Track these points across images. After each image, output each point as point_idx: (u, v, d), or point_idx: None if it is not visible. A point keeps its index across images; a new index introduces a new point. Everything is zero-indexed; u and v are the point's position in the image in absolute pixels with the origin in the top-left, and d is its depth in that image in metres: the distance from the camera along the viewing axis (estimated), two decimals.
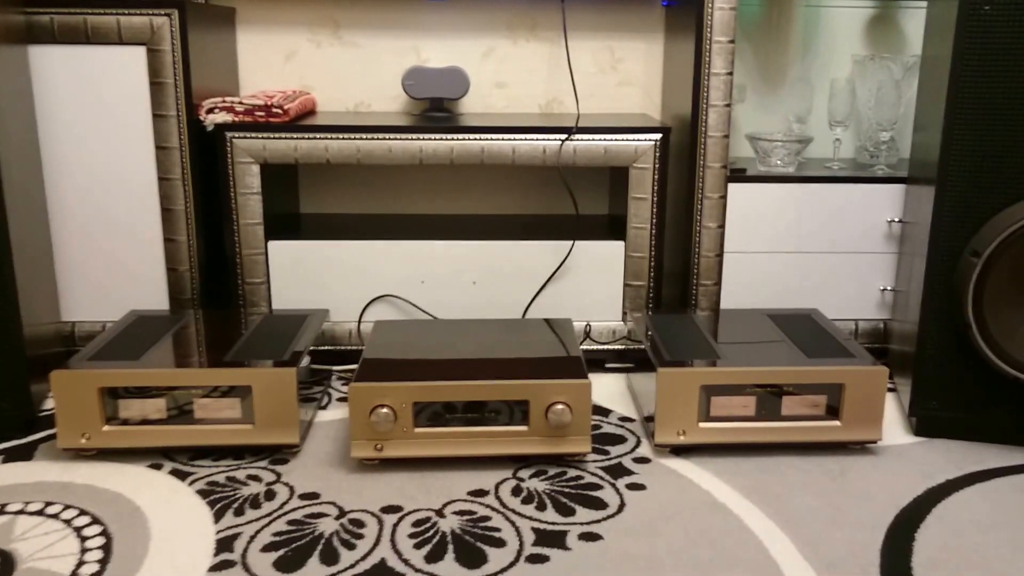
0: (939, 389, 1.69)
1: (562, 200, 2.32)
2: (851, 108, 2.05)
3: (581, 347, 1.99)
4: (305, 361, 1.67)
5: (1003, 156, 1.57)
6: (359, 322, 1.99)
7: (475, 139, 1.92)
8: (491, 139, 1.92)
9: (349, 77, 2.26)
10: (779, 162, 2.01)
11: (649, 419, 1.67)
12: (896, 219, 1.96)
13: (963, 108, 1.58)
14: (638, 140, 1.92)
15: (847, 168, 2.06)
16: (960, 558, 1.31)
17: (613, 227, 2.10)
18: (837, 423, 1.62)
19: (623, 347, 2.01)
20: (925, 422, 1.71)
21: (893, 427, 1.75)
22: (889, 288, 2.00)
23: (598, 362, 2.03)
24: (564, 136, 1.91)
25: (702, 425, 1.61)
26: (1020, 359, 1.59)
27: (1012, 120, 1.55)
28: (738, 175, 1.96)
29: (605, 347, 2.01)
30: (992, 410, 1.67)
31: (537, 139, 1.92)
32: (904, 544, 1.35)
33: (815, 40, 2.20)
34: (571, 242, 1.98)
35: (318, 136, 1.90)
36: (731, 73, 1.88)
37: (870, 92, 2.03)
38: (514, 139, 1.92)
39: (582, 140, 1.92)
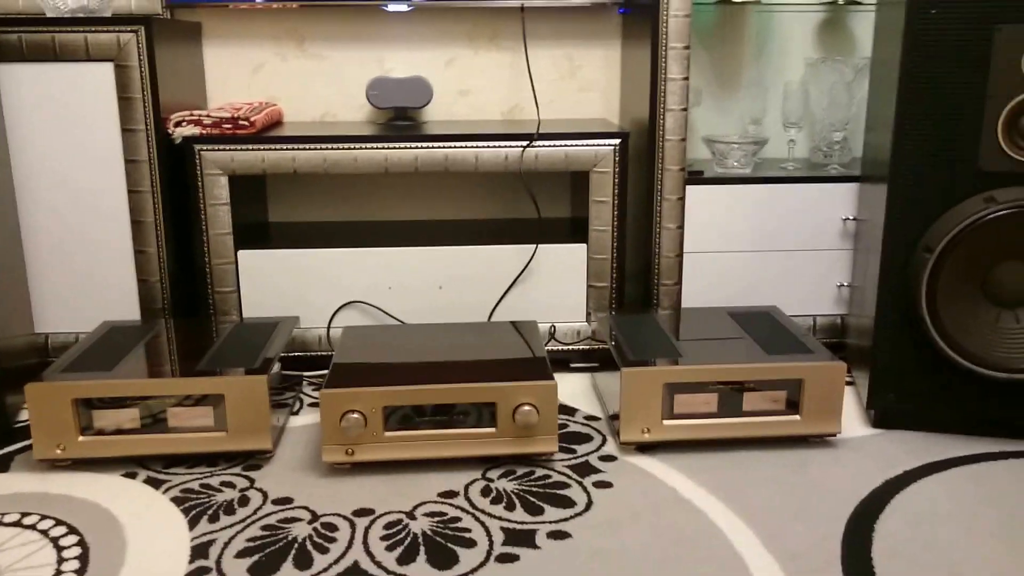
0: (896, 382, 1.74)
1: (525, 204, 2.36)
2: (804, 109, 2.11)
3: (546, 348, 2.03)
4: (276, 368, 1.70)
5: (951, 154, 1.62)
6: (328, 328, 2.02)
7: (439, 147, 1.95)
8: (454, 147, 1.95)
9: (315, 88, 2.28)
10: (736, 164, 2.07)
11: (614, 417, 1.72)
12: (851, 217, 2.02)
13: (912, 108, 1.63)
14: (598, 145, 1.97)
15: (802, 168, 2.12)
16: (918, 547, 1.36)
17: (576, 230, 2.14)
18: (797, 417, 1.67)
19: (588, 347, 2.05)
20: (883, 414, 1.77)
21: (852, 420, 1.80)
22: (846, 284, 2.06)
23: (564, 362, 2.08)
24: (526, 143, 1.95)
25: (666, 423, 1.65)
26: (973, 351, 1.65)
27: (959, 119, 1.61)
28: (696, 177, 2.01)
29: (570, 347, 2.05)
30: (948, 401, 1.73)
31: (499, 146, 1.96)
32: (864, 535, 1.40)
33: (769, 44, 2.25)
34: (535, 246, 2.01)
35: (285, 147, 1.93)
36: (687, 78, 1.93)
37: (823, 94, 2.09)
38: (477, 146, 1.96)
39: (543, 146, 1.96)
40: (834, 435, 1.69)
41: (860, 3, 2.10)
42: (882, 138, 1.72)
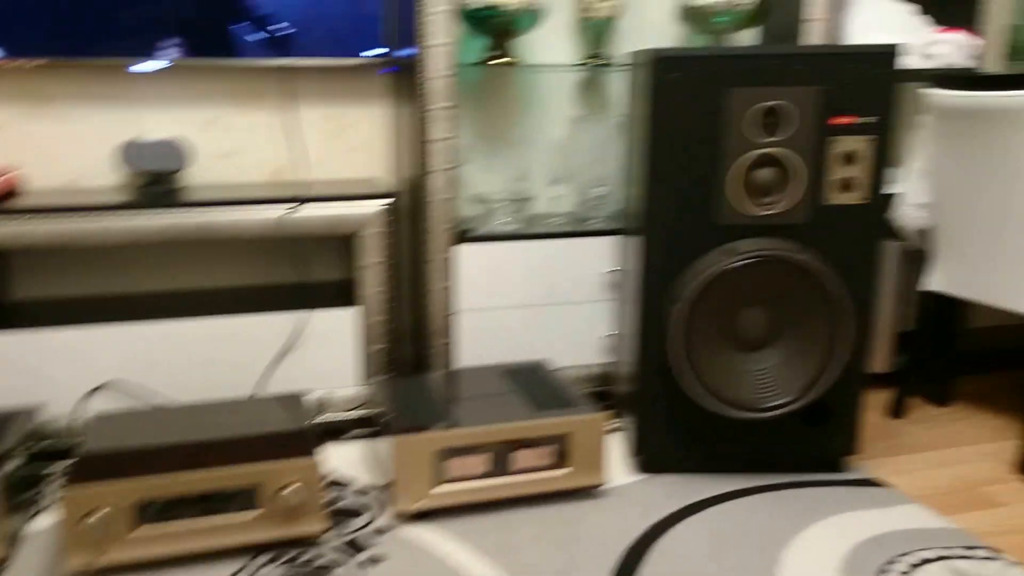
0: (658, 427, 1.81)
1: (293, 269, 2.29)
2: (568, 165, 2.18)
3: (322, 418, 1.96)
4: (12, 464, 1.54)
5: (697, 208, 1.71)
6: (78, 415, 1.86)
7: (198, 213, 1.86)
8: (216, 212, 1.87)
9: (62, 153, 2.13)
10: (504, 220, 2.10)
11: (388, 487, 1.68)
12: (613, 269, 2.09)
13: (660, 165, 1.71)
14: (366, 206, 1.94)
15: (568, 223, 2.18)
16: None
17: (348, 293, 2.10)
18: (567, 471, 1.70)
19: (365, 413, 2.01)
20: (648, 460, 1.83)
21: (621, 467, 1.85)
22: (611, 334, 2.13)
23: (339, 431, 2.02)
24: (290, 206, 1.90)
25: (440, 489, 1.63)
26: (724, 393, 1.73)
27: (703, 175, 1.70)
28: (465, 235, 2.02)
29: (346, 415, 2.00)
30: (705, 443, 1.81)
31: (264, 210, 1.89)
32: None
33: (534, 102, 2.32)
34: (304, 311, 1.95)
35: (25, 217, 1.78)
36: (453, 137, 1.95)
37: (585, 150, 2.16)
38: (240, 210, 1.88)
39: (311, 209, 1.92)
40: (601, 485, 1.73)
41: (612, 64, 2.20)
42: (636, 192, 1.80)
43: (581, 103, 2.36)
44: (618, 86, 2.36)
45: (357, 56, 2.14)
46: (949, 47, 2.23)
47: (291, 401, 1.79)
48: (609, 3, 2.14)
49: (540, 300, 2.09)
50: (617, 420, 2.07)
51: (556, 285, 2.09)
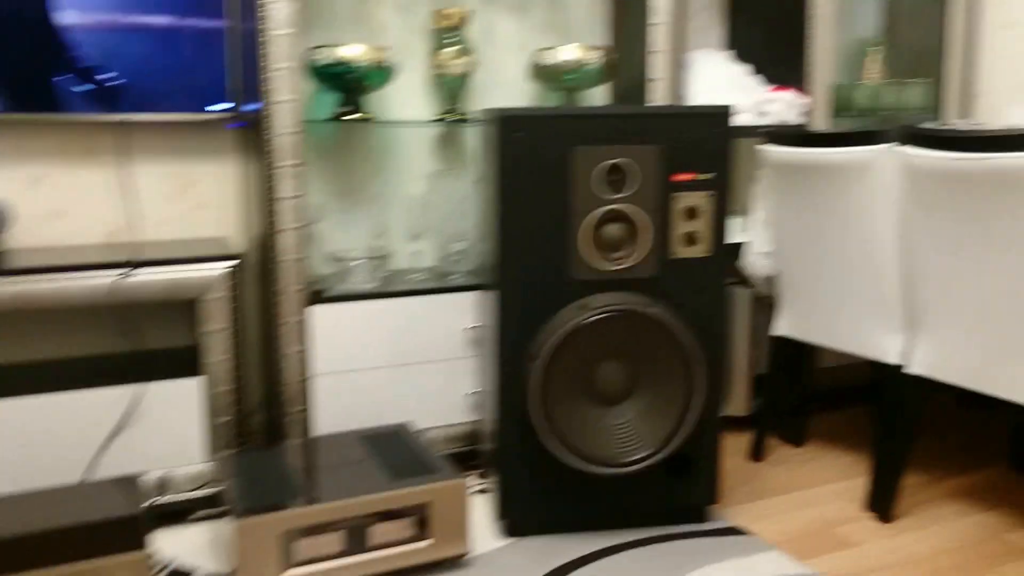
0: (522, 488, 1.76)
1: (132, 337, 2.15)
2: (428, 221, 2.14)
3: (162, 500, 1.83)
4: None
5: (549, 264, 1.70)
6: None
7: (20, 281, 1.71)
8: (40, 279, 1.73)
9: None
10: (360, 280, 2.03)
11: (232, 575, 1.56)
12: (475, 325, 2.05)
13: (511, 220, 1.69)
14: (209, 269, 1.84)
15: (429, 279, 2.13)
16: None
17: (192, 361, 1.97)
18: (428, 542, 1.63)
19: (211, 492, 1.88)
20: (513, 523, 1.78)
21: (485, 533, 1.79)
22: (475, 392, 2.09)
23: (186, 512, 1.88)
24: (123, 271, 1.78)
25: (289, 573, 1.53)
26: (585, 450, 1.70)
27: (553, 231, 1.68)
28: (319, 296, 1.95)
29: (192, 495, 1.87)
30: (570, 501, 1.78)
31: (93, 276, 1.76)
32: None
33: (391, 157, 2.27)
34: (142, 384, 1.82)
35: None
36: (302, 196, 1.88)
37: (444, 205, 2.13)
38: (68, 277, 1.75)
39: (147, 273, 1.80)
40: (466, 555, 1.67)
41: (468, 120, 2.18)
42: (490, 248, 1.77)
43: (439, 158, 2.33)
44: (475, 141, 2.34)
45: (202, 111, 2.04)
46: (780, 105, 2.32)
47: (125, 484, 1.64)
48: (463, 60, 2.13)
49: (402, 359, 2.03)
50: (484, 481, 2.01)
51: (418, 343, 2.03)
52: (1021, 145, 1.49)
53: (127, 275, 1.78)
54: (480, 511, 1.89)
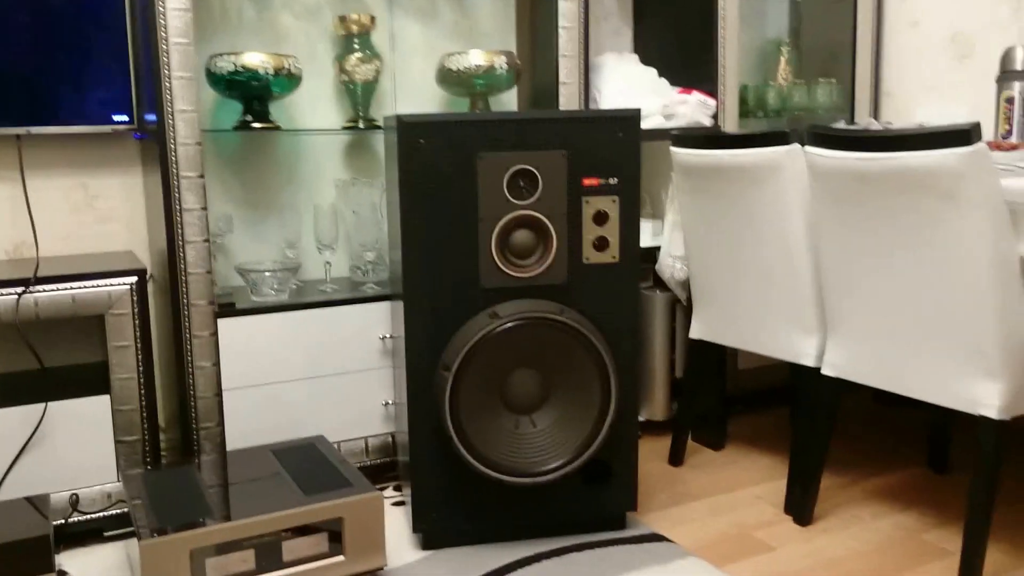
0: (437, 499, 1.74)
1: (39, 356, 2.07)
2: (337, 230, 2.11)
3: (73, 519, 1.77)
4: None
5: (457, 273, 1.68)
6: None
7: None
8: None
9: None
10: (271, 291, 1.99)
11: None
12: (388, 335, 2.03)
13: (415, 229, 1.67)
14: (111, 285, 1.78)
15: (341, 289, 2.10)
16: None
17: (100, 379, 1.91)
18: (342, 558, 1.60)
19: (122, 511, 1.82)
20: (430, 535, 1.76)
21: (402, 545, 1.77)
22: (391, 402, 2.06)
23: (96, 532, 1.82)
24: (19, 290, 1.71)
25: None
26: (498, 460, 1.68)
27: (459, 239, 1.66)
28: (228, 310, 1.90)
29: (101, 514, 1.81)
30: (485, 512, 1.76)
31: None
32: None
33: (300, 166, 2.23)
34: (51, 403, 1.76)
35: None
36: (205, 208, 1.83)
37: (353, 214, 2.10)
38: None
39: (45, 291, 1.73)
40: (381, 569, 1.64)
41: (376, 128, 2.16)
42: (398, 257, 1.74)
43: (349, 167, 2.29)
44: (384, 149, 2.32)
45: (109, 123, 1.98)
46: (690, 107, 2.34)
47: (34, 505, 1.59)
48: (369, 66, 2.10)
49: (316, 371, 1.99)
50: (401, 494, 1.99)
51: (332, 354, 2.00)
52: (921, 144, 1.52)
53: (26, 292, 1.71)
54: (397, 524, 1.86)
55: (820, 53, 2.73)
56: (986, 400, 1.53)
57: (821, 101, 2.57)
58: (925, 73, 2.54)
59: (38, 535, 1.47)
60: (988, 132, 2.16)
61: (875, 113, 2.66)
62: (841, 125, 2.46)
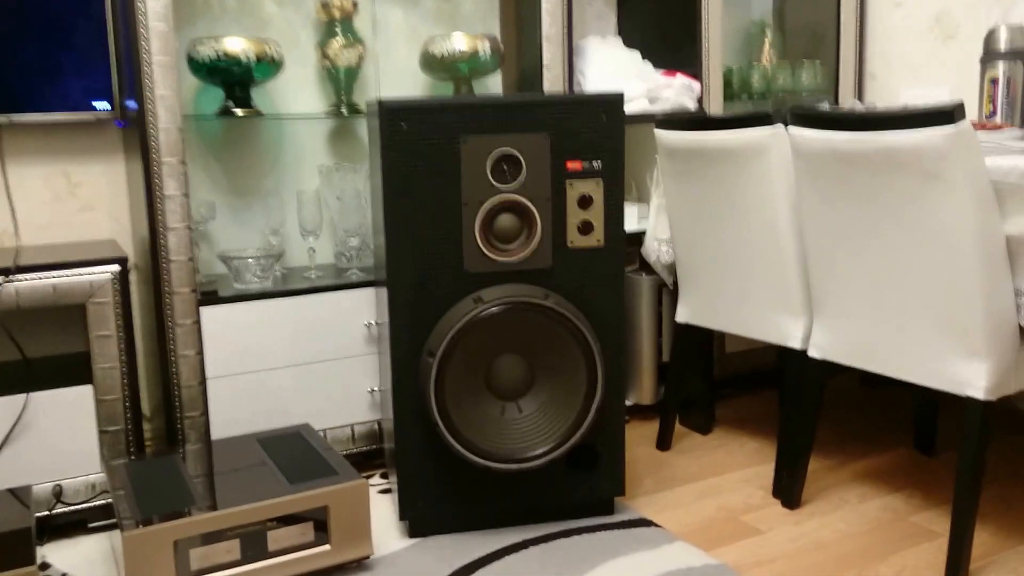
0: (423, 486, 1.74)
1: (21, 346, 2.05)
2: (321, 217, 2.09)
3: (55, 509, 1.75)
4: None
5: (440, 258, 1.67)
6: None
7: None
8: None
9: None
10: (255, 278, 1.98)
11: None
12: (372, 322, 2.02)
13: (398, 214, 1.65)
14: (93, 274, 1.76)
15: (326, 276, 2.09)
16: None
17: (82, 369, 1.89)
18: (327, 547, 1.59)
19: (107, 501, 1.81)
20: (417, 523, 1.75)
21: (389, 533, 1.76)
22: (376, 389, 2.05)
23: (80, 523, 1.81)
24: (0, 279, 1.69)
25: None
26: (484, 447, 1.68)
27: (442, 224, 1.65)
28: (211, 297, 1.88)
29: (85, 505, 1.80)
30: (472, 499, 1.76)
31: None
32: None
33: (283, 152, 2.21)
34: (33, 393, 1.74)
35: None
36: (187, 194, 1.81)
37: (337, 200, 2.08)
38: None
39: (26, 280, 1.71)
40: (368, 558, 1.63)
41: (359, 113, 2.14)
42: (381, 242, 1.73)
43: (333, 152, 2.27)
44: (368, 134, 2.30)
45: (90, 110, 1.96)
46: (674, 90, 2.32)
47: (16, 496, 1.57)
48: (352, 51, 2.08)
49: (301, 359, 1.98)
50: (387, 481, 1.98)
51: (317, 342, 1.98)
52: (905, 124, 1.51)
53: (7, 282, 1.69)
54: (383, 512, 1.85)
55: (804, 35, 2.72)
56: (972, 381, 1.53)
57: (806, 83, 2.56)
58: (909, 54, 2.53)
59: (19, 527, 1.45)
60: (973, 112, 2.15)
61: (859, 94, 2.65)
62: (825, 107, 2.45)
